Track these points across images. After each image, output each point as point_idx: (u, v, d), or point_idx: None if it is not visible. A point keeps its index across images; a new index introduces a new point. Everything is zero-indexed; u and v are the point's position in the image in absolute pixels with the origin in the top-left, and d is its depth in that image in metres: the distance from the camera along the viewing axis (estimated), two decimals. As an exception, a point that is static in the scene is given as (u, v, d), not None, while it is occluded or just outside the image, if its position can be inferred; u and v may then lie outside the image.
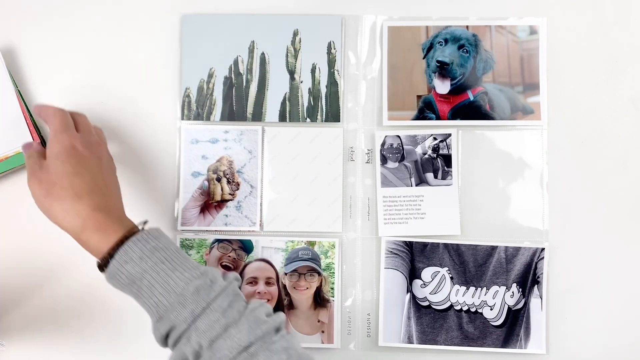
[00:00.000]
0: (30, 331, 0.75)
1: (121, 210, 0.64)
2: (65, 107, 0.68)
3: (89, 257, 0.76)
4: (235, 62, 0.77)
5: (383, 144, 0.76)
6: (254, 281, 0.74)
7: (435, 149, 0.75)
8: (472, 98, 0.76)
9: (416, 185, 0.75)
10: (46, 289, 0.75)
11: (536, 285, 0.74)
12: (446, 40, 0.76)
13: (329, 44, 0.77)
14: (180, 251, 0.60)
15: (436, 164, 0.75)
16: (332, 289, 0.74)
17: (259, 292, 0.74)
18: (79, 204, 0.60)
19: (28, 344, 0.75)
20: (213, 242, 0.75)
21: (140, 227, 0.61)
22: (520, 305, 0.74)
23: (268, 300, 0.74)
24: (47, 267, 0.75)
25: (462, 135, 0.76)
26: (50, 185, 0.61)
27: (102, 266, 0.60)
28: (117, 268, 0.58)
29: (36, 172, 0.63)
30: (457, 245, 0.74)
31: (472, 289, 0.74)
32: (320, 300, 0.74)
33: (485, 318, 0.74)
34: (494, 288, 0.74)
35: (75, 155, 0.62)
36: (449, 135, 0.75)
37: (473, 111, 0.76)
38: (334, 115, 0.76)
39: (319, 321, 0.74)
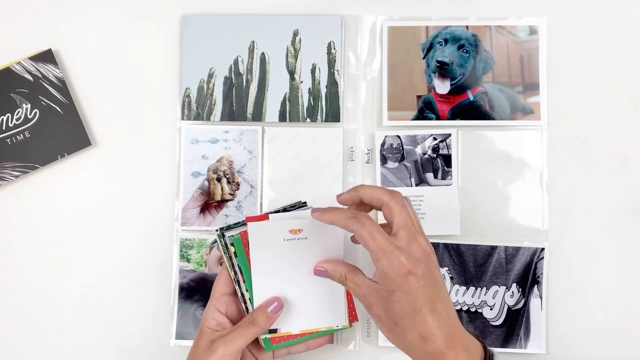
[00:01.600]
0: (30, 332, 0.75)
1: (464, 334, 0.56)
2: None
3: (89, 256, 0.76)
4: (235, 62, 0.77)
5: (383, 144, 0.76)
6: (254, 281, 0.74)
7: (435, 149, 0.75)
8: (472, 98, 0.76)
9: (416, 185, 0.75)
10: (46, 289, 0.75)
11: (536, 285, 0.74)
12: (446, 41, 0.76)
13: (329, 44, 0.77)
14: None
15: (436, 164, 0.75)
16: (332, 289, 0.74)
17: (259, 292, 0.74)
18: (426, 345, 0.55)
19: (28, 344, 0.75)
20: (213, 242, 0.75)
21: (484, 350, 0.57)
22: (520, 305, 0.74)
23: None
24: (47, 267, 0.76)
25: (462, 135, 0.76)
26: (392, 323, 0.56)
27: None
28: None
29: (366, 297, 0.57)
30: (457, 245, 0.74)
31: (472, 288, 0.74)
32: (320, 300, 0.74)
33: (485, 318, 0.74)
34: (494, 288, 0.74)
35: (411, 290, 0.55)
36: (449, 135, 0.75)
37: (473, 111, 0.76)
38: (334, 115, 0.76)
39: (319, 321, 0.74)
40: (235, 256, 0.64)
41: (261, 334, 0.63)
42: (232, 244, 0.63)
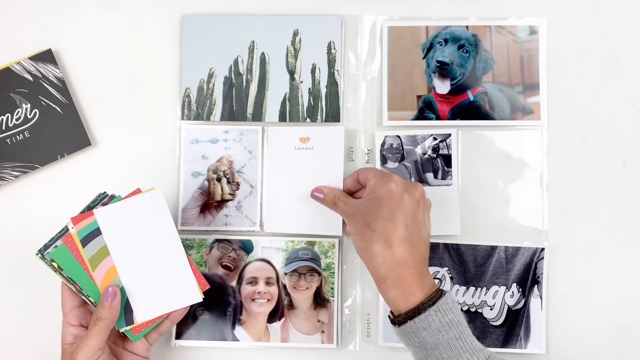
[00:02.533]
0: (31, 331, 0.75)
1: (424, 264, 0.62)
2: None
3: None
4: (235, 62, 0.77)
5: (383, 144, 0.76)
6: (254, 281, 0.74)
7: (435, 149, 0.75)
8: (472, 98, 0.76)
9: (416, 185, 0.75)
10: (46, 288, 0.75)
11: (536, 285, 0.74)
12: (446, 41, 0.76)
13: (329, 44, 0.77)
14: (467, 328, 0.60)
15: (436, 164, 0.75)
16: (332, 289, 0.74)
17: (259, 292, 0.74)
18: (384, 252, 0.61)
19: (29, 344, 0.75)
20: (213, 242, 0.75)
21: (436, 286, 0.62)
22: (520, 305, 0.74)
23: (268, 300, 0.74)
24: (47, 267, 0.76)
25: (462, 135, 0.76)
26: (365, 225, 0.62)
27: (394, 321, 0.61)
28: (413, 330, 0.59)
29: (352, 209, 0.66)
30: (457, 245, 0.74)
31: (472, 289, 0.74)
32: (320, 300, 0.74)
33: (485, 318, 0.74)
34: (494, 288, 0.74)
35: (393, 199, 0.62)
36: (449, 135, 0.75)
37: (473, 111, 0.76)
38: (334, 115, 0.76)
39: (319, 321, 0.74)
40: (61, 269, 0.64)
41: (113, 326, 0.63)
42: (52, 260, 0.63)
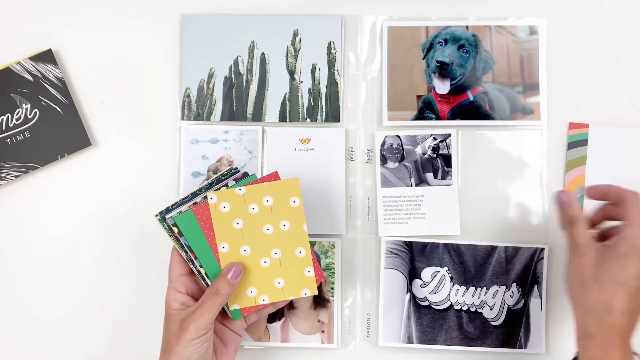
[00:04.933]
0: (30, 331, 0.75)
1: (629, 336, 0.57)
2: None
3: (89, 256, 0.76)
4: (235, 62, 0.77)
5: (383, 144, 0.76)
6: (254, 281, 0.74)
7: (435, 149, 0.75)
8: (472, 98, 0.76)
9: (416, 185, 0.75)
10: (46, 288, 0.75)
11: (536, 285, 0.74)
12: (446, 41, 0.76)
13: (329, 44, 0.77)
14: None
15: (436, 164, 0.75)
16: (332, 289, 0.74)
17: (259, 292, 0.74)
18: (606, 316, 0.56)
19: (28, 344, 0.75)
20: (213, 242, 0.75)
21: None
22: (520, 305, 0.74)
23: (268, 300, 0.74)
24: (47, 267, 0.76)
25: (462, 136, 0.76)
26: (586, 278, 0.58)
27: None
28: None
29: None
30: (457, 245, 0.74)
31: (472, 288, 0.74)
32: (320, 300, 0.74)
33: (485, 318, 0.74)
34: (494, 288, 0.74)
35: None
36: (449, 135, 0.75)
37: (473, 111, 0.76)
38: (334, 115, 0.76)
39: (319, 321, 0.74)
40: (181, 235, 0.63)
41: (227, 302, 0.63)
42: (174, 225, 0.63)
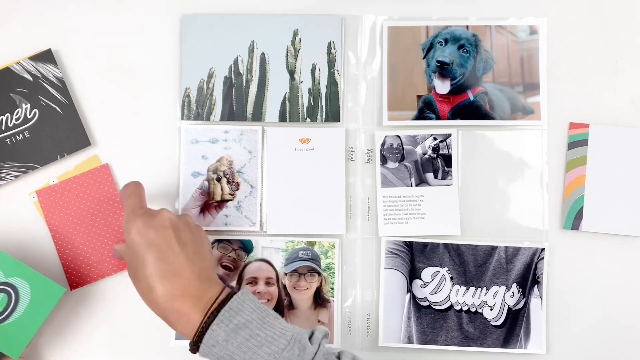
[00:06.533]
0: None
1: (200, 282, 0.61)
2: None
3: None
4: (235, 62, 0.77)
5: (383, 144, 0.76)
6: (254, 281, 0.74)
7: (435, 149, 0.75)
8: (472, 98, 0.76)
9: (416, 185, 0.75)
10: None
11: (536, 285, 0.74)
12: (446, 40, 0.76)
13: (329, 44, 0.77)
14: (264, 319, 0.59)
15: (436, 164, 0.75)
16: (332, 289, 0.74)
17: (259, 292, 0.74)
18: (152, 296, 0.60)
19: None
20: (213, 242, 0.75)
21: (222, 295, 0.61)
22: (520, 306, 0.74)
23: (268, 300, 0.74)
24: (47, 267, 0.76)
25: (462, 135, 0.76)
26: (132, 277, 0.63)
27: (194, 350, 0.60)
28: (206, 352, 0.58)
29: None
30: (457, 245, 0.74)
31: (472, 289, 0.74)
32: (320, 301, 0.74)
33: (485, 318, 0.74)
34: (494, 288, 0.74)
35: (139, 241, 0.62)
36: (449, 135, 0.75)
37: (473, 111, 0.76)
38: (334, 115, 0.76)
39: (319, 321, 0.74)
40: None
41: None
42: None
